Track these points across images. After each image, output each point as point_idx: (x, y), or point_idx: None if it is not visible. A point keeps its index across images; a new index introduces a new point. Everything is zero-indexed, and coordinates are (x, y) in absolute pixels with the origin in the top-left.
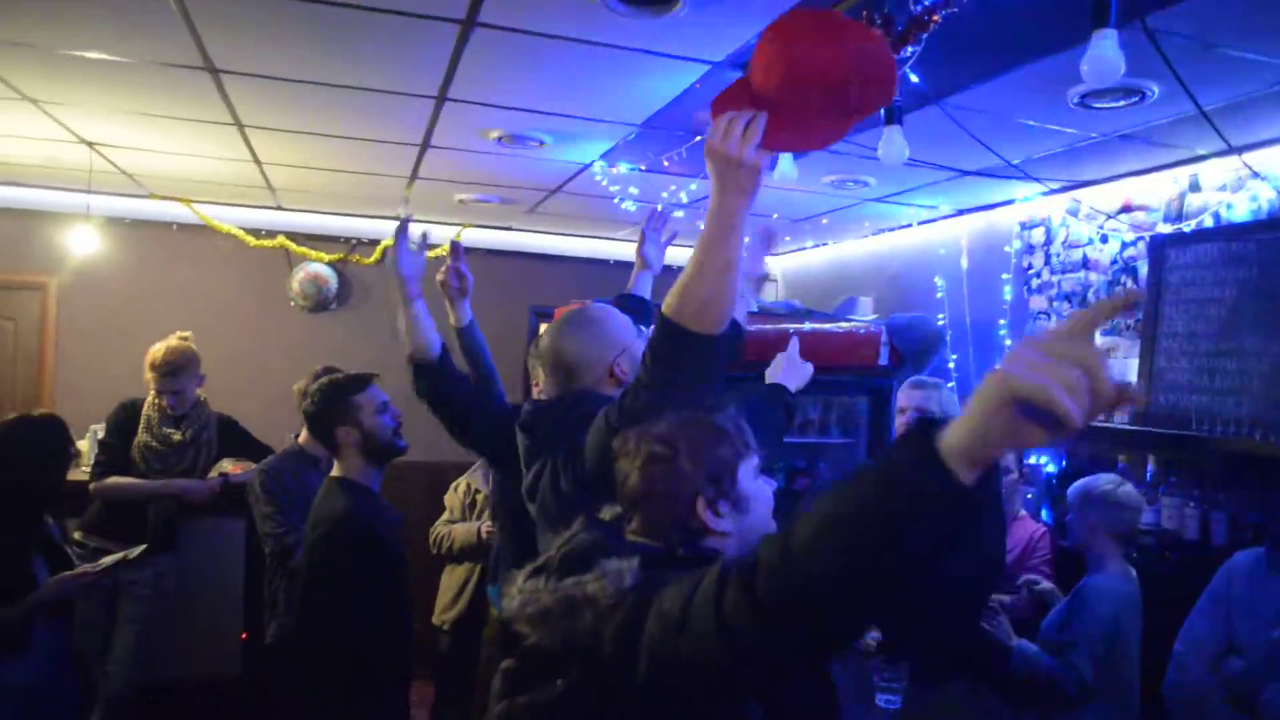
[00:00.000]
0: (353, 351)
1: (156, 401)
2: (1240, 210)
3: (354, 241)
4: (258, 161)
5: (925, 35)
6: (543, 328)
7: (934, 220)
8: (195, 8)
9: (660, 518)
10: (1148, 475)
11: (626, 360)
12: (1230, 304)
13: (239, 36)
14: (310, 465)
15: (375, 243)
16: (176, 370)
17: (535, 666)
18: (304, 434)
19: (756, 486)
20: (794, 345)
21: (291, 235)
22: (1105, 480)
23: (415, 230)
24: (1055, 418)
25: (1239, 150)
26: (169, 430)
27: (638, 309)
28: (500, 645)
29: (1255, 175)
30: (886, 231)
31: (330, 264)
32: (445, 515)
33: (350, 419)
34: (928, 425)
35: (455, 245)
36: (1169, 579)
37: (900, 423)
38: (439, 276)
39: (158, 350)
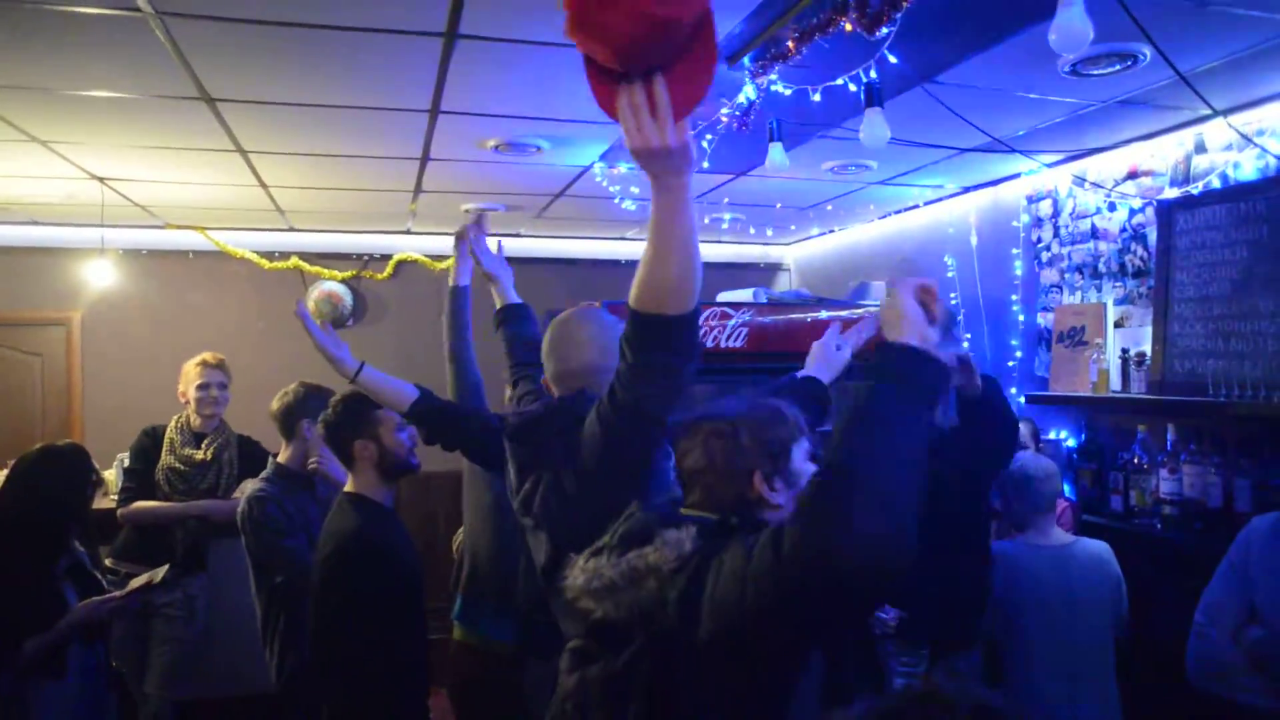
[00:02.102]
0: None
1: (180, 421)
2: (1248, 169)
3: (366, 258)
4: (264, 185)
5: (899, 15)
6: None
7: (940, 200)
8: (184, 40)
9: (720, 489)
10: (1168, 444)
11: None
12: (1242, 265)
13: (229, 65)
14: (296, 483)
15: (387, 258)
16: (223, 365)
17: (603, 639)
18: (284, 452)
19: (807, 466)
20: (830, 335)
21: (304, 255)
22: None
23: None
24: (929, 293)
25: (1224, 113)
26: (190, 451)
27: (523, 315)
28: (463, 667)
29: (1259, 133)
30: (894, 214)
31: (344, 281)
32: None
33: (371, 433)
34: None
35: (480, 215)
36: (1193, 547)
37: None
38: (457, 230)
39: (201, 356)
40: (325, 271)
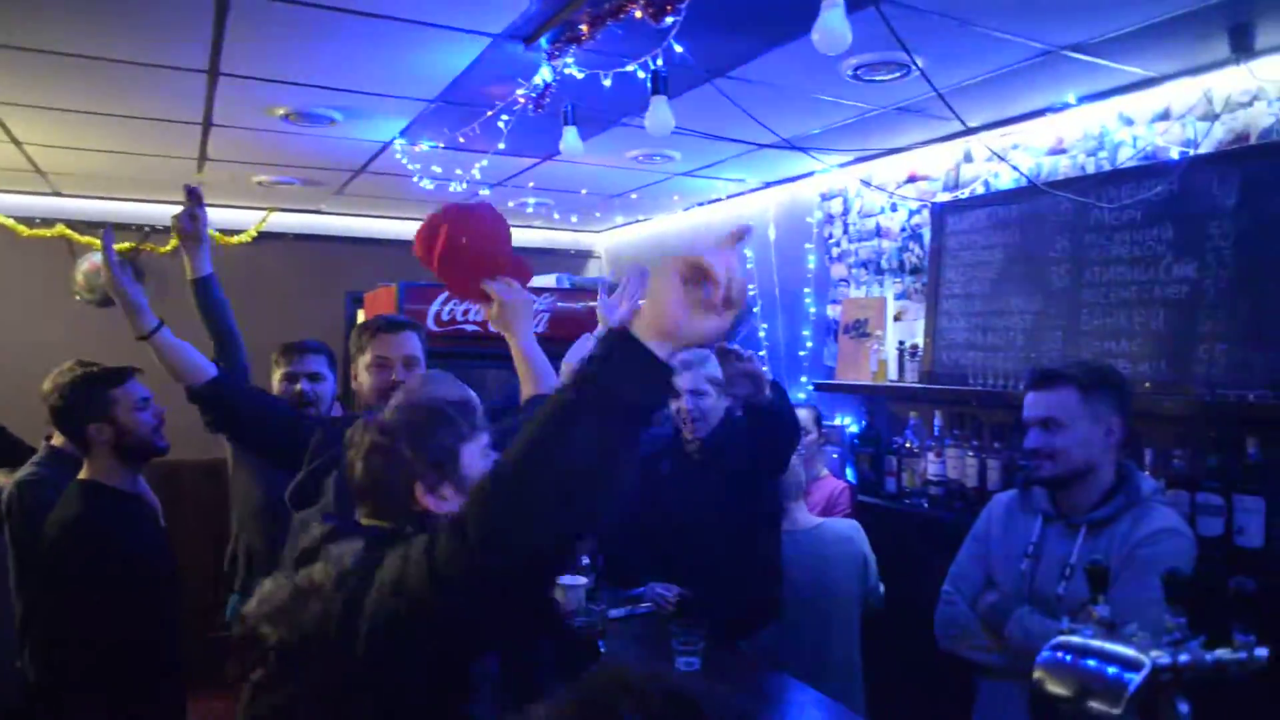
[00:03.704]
0: (147, 348)
1: None
2: (1006, 179)
3: (147, 229)
4: (16, 142)
5: (684, 5)
6: (359, 314)
7: (743, 194)
8: None
9: (386, 503)
10: (935, 429)
11: None
12: (998, 266)
13: None
14: (73, 466)
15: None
16: None
17: (277, 665)
18: (57, 435)
19: (485, 464)
20: (602, 300)
21: (73, 224)
22: None
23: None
24: (708, 275)
25: (981, 129)
26: None
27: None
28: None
29: (1015, 148)
30: (699, 206)
31: (121, 253)
32: None
33: (104, 414)
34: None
35: (190, 188)
36: (955, 524)
37: (675, 407)
38: (171, 221)
39: None
40: (97, 242)
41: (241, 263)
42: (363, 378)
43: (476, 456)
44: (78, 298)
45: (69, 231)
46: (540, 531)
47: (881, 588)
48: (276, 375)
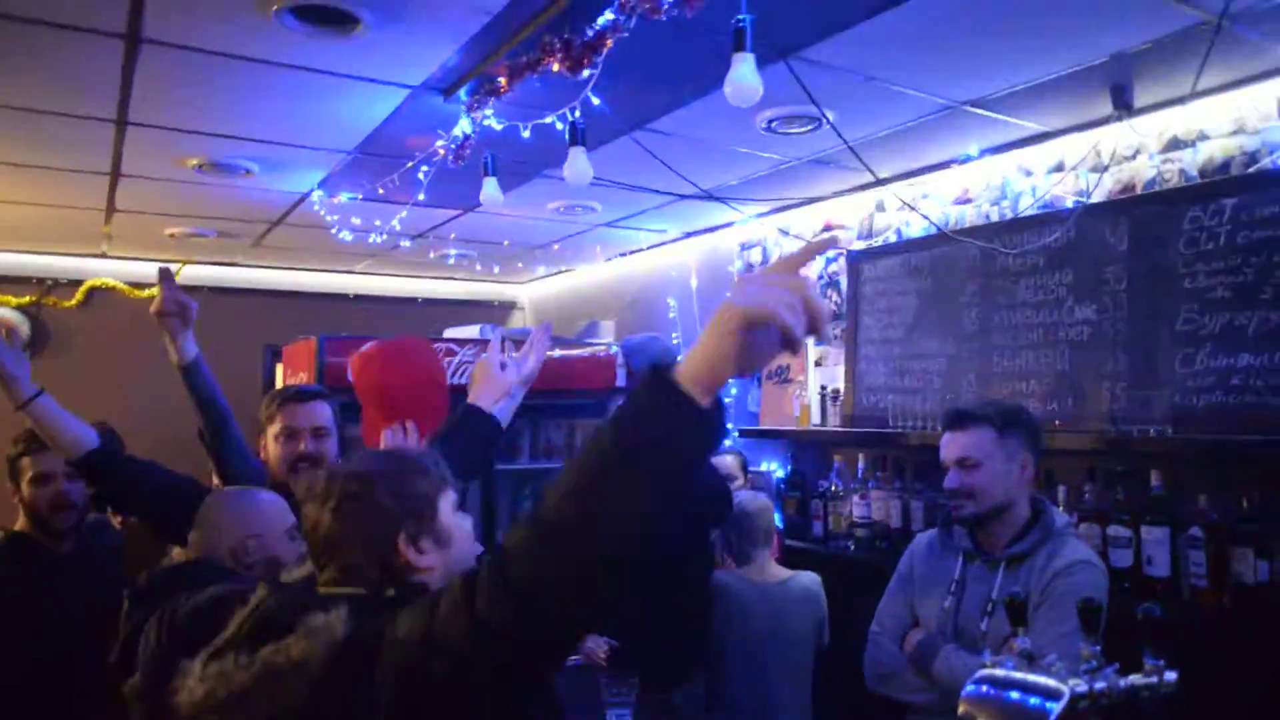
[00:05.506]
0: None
1: None
2: (916, 228)
3: (50, 282)
4: None
5: (599, 59)
6: (278, 367)
7: (664, 244)
8: None
9: (360, 560)
10: (859, 472)
11: None
12: (913, 310)
13: None
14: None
15: (78, 283)
16: None
17: None
18: (21, 520)
19: (456, 519)
20: (492, 353)
21: None
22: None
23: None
24: (781, 335)
25: (889, 180)
26: None
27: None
28: None
29: (925, 196)
30: (620, 256)
31: (19, 308)
32: None
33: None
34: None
35: (163, 271)
36: (880, 565)
37: None
38: (153, 309)
39: None
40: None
41: (151, 317)
42: (271, 448)
43: (450, 511)
44: None
45: None
46: (585, 577)
47: (827, 637)
48: (271, 431)
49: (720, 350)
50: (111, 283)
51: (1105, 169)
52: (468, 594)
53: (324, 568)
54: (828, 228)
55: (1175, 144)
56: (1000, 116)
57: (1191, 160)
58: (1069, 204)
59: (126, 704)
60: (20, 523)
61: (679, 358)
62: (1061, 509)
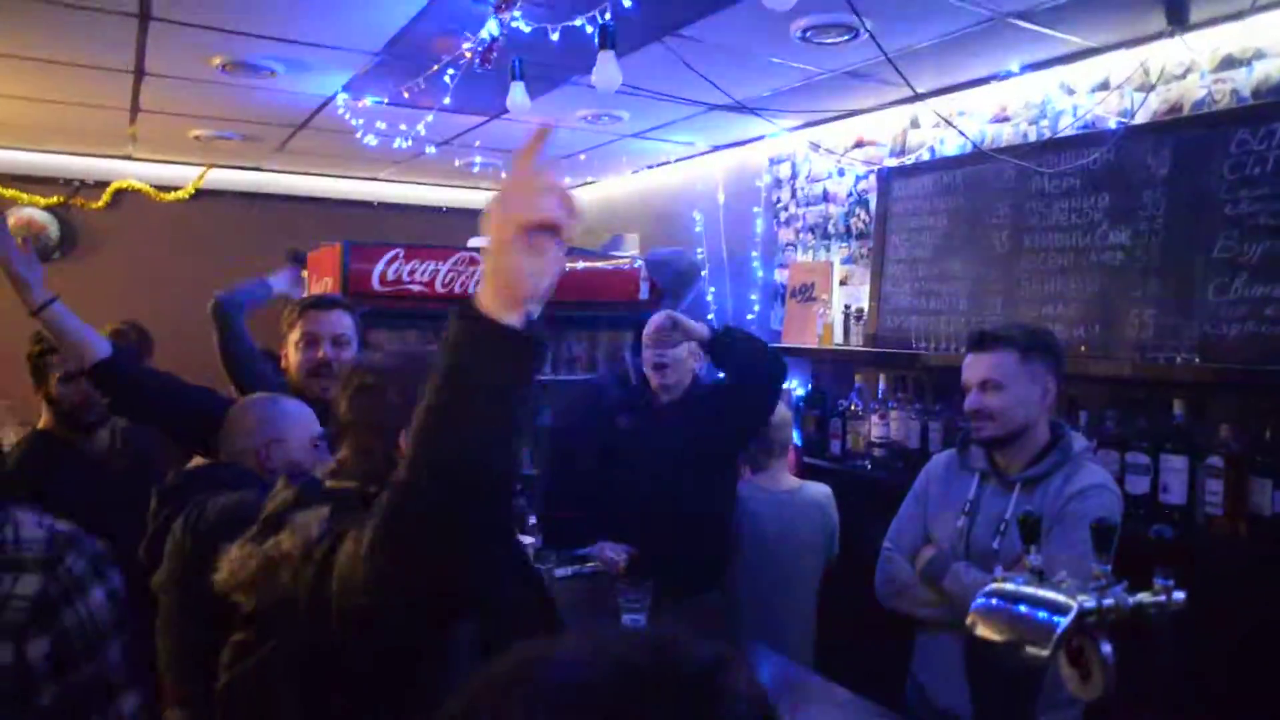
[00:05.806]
0: (80, 309)
1: None
2: (952, 145)
3: (78, 183)
4: None
5: None
6: (303, 274)
7: (692, 157)
8: None
9: (366, 445)
10: (879, 392)
11: None
12: (942, 230)
13: None
14: (63, 447)
15: (104, 185)
16: None
17: (255, 629)
18: (45, 417)
19: None
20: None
21: None
22: None
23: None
24: (554, 226)
25: (928, 95)
26: None
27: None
28: None
29: (961, 114)
30: (647, 169)
31: (49, 208)
32: None
33: None
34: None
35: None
36: (897, 485)
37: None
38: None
39: None
40: (24, 195)
41: (177, 220)
42: (291, 355)
43: None
44: None
45: None
46: (443, 513)
47: (837, 548)
48: (292, 338)
49: (506, 265)
50: (138, 185)
51: (1152, 88)
52: (368, 534)
53: (339, 447)
54: (860, 143)
55: (1229, 62)
56: (1046, 30)
57: (1245, 80)
58: (1111, 125)
59: (154, 594)
60: (45, 420)
61: (701, 272)
62: (1082, 435)
